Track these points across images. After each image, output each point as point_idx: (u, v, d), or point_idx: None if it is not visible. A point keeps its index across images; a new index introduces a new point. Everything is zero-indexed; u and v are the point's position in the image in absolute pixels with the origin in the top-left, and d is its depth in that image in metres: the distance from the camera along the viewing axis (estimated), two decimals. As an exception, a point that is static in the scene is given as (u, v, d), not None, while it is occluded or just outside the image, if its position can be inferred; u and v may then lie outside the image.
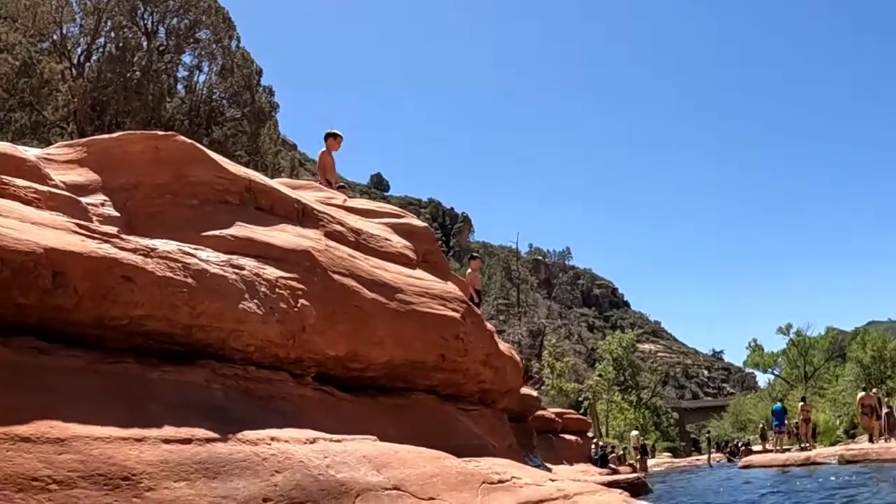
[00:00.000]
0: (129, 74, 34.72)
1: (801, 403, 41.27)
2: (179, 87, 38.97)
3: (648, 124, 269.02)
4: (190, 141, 7.88)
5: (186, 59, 38.59)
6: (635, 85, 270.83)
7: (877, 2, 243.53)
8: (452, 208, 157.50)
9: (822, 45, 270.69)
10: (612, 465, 33.50)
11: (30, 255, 4.52)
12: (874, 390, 39.22)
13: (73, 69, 34.95)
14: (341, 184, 14.58)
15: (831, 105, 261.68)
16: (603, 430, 63.64)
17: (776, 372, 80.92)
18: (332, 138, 14.34)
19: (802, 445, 38.39)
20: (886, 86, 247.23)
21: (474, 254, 13.88)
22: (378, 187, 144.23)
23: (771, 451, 39.02)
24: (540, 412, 24.25)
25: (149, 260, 5.33)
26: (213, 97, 38.47)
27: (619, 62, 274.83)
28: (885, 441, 31.16)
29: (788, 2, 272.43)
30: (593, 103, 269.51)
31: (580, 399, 66.08)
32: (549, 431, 26.50)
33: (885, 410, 33.00)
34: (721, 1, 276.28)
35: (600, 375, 75.85)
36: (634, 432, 51.61)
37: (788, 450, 38.20)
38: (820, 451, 35.01)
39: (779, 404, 43.75)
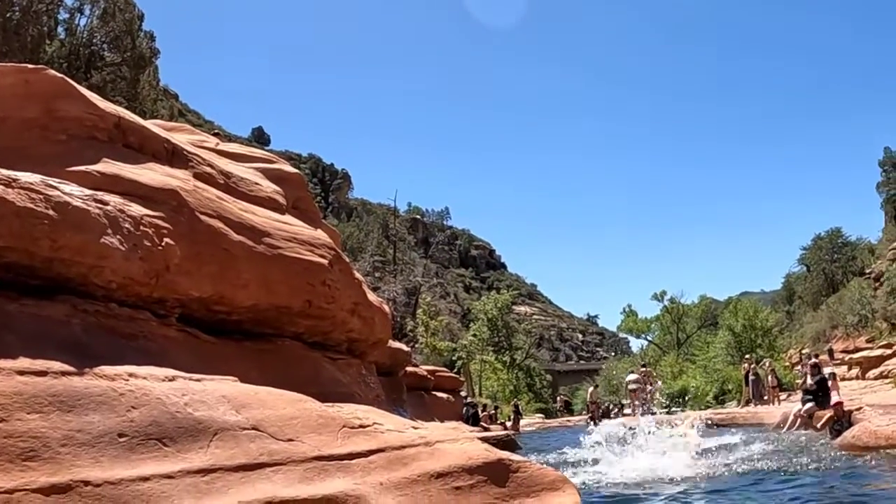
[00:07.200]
0: (8, 14, 33.72)
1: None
2: (60, 29, 38.09)
3: (528, 85, 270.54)
4: (60, 75, 7.72)
5: (68, 1, 37.71)
6: (518, 44, 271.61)
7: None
8: (333, 164, 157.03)
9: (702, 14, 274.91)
10: (484, 424, 33.91)
11: None
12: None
13: (-50, 8, 33.89)
14: (216, 131, 14.33)
15: (713, 70, 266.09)
16: (476, 390, 64.38)
17: (649, 338, 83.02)
18: None
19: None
20: (775, 49, 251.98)
21: None
22: (259, 141, 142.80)
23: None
24: (412, 369, 24.53)
25: (10, 190, 5.25)
26: (94, 41, 37.67)
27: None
28: (754, 406, 32.35)
29: None
30: (471, 63, 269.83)
31: (454, 358, 66.60)
32: (421, 388, 26.81)
33: (752, 377, 34.17)
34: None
35: (474, 335, 76.47)
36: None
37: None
38: (689, 415, 36.06)
39: (632, 374, 44.76)
